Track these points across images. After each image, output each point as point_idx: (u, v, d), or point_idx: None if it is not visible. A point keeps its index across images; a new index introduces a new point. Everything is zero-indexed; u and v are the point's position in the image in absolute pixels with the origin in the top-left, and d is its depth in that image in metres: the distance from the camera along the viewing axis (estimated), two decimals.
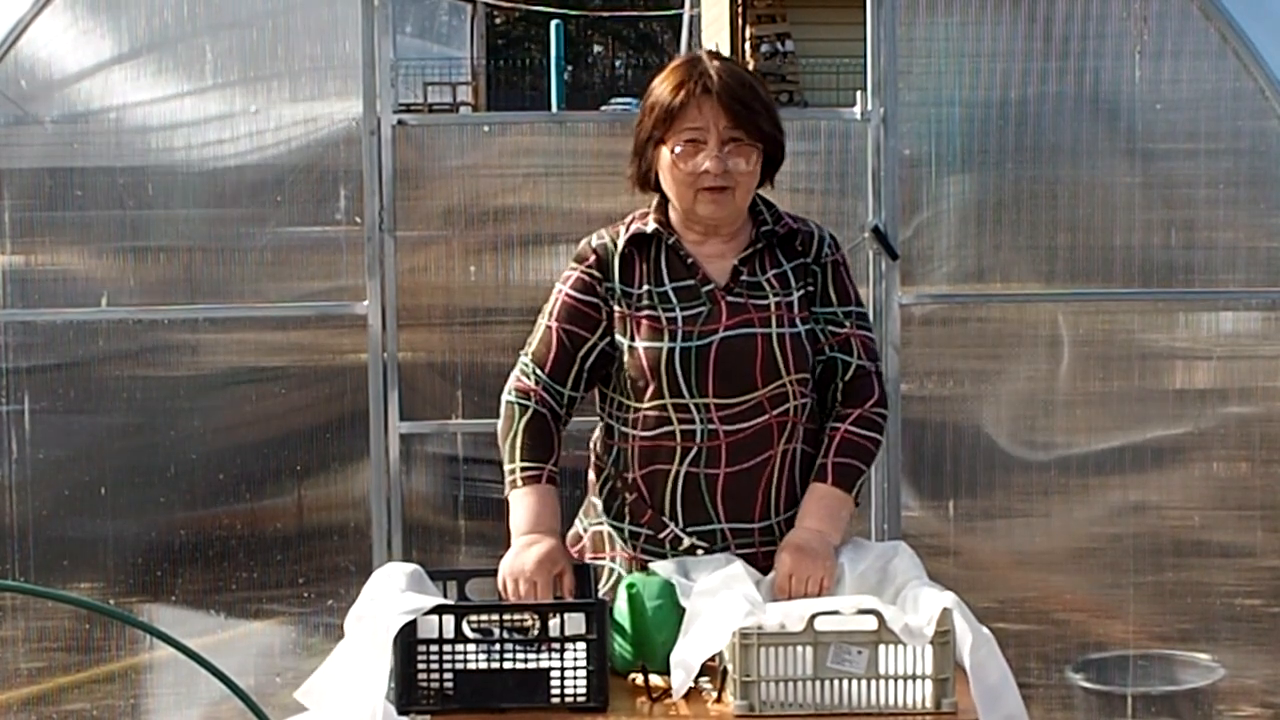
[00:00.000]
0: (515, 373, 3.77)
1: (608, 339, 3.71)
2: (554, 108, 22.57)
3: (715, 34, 24.72)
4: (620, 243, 3.73)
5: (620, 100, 27.04)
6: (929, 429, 5.02)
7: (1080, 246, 4.99)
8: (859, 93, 4.95)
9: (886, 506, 4.99)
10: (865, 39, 4.94)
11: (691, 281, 3.70)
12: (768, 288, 3.71)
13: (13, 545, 4.95)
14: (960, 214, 5.00)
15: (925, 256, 4.99)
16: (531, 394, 3.72)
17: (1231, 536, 5.07)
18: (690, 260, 3.71)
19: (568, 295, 3.74)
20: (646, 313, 3.68)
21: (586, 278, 3.73)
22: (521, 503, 3.68)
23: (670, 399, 3.65)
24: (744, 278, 3.71)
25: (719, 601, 3.35)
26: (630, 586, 3.49)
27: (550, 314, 3.76)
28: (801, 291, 3.73)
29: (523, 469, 3.68)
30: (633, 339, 3.67)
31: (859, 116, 4.96)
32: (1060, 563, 5.07)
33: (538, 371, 3.74)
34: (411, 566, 3.63)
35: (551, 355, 3.73)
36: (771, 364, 3.65)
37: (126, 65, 4.93)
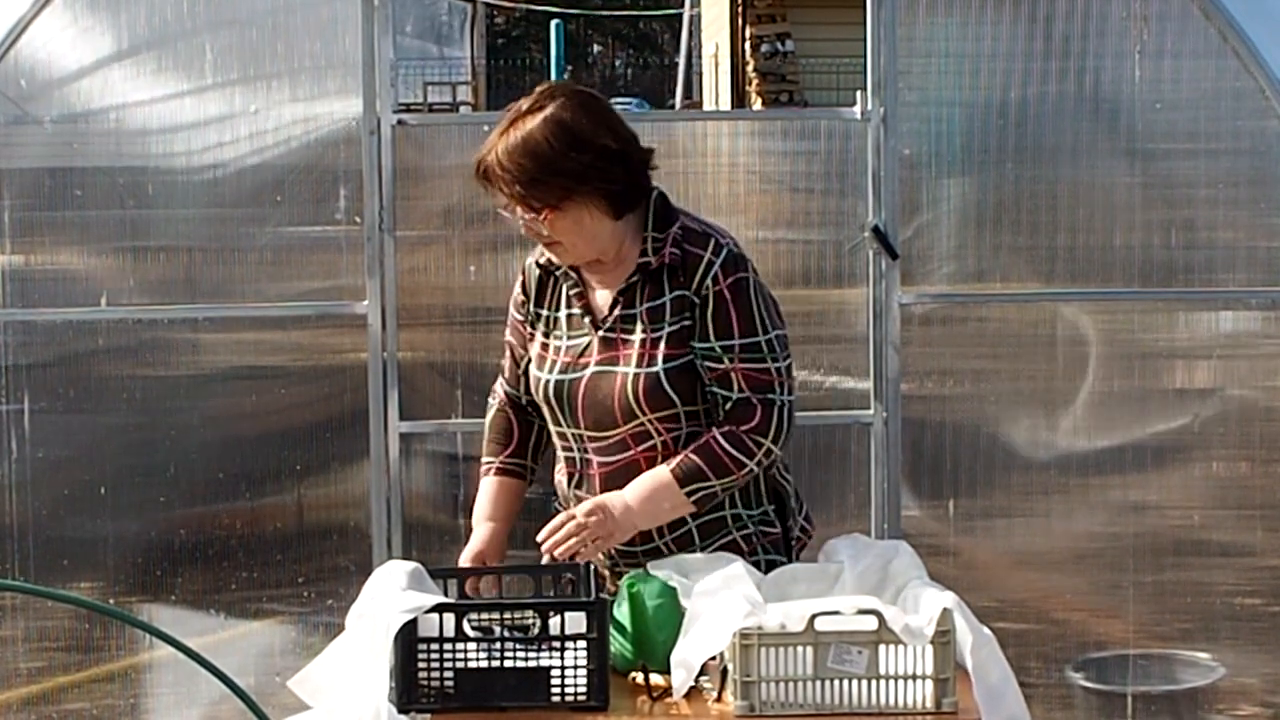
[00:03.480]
0: None
1: None
2: None
3: (715, 34, 24.73)
4: (538, 266, 3.84)
5: (620, 100, 27.03)
6: (929, 429, 5.02)
7: (1080, 246, 4.99)
8: (859, 93, 4.95)
9: (886, 506, 4.98)
10: (865, 39, 4.93)
11: (579, 310, 3.77)
12: (639, 323, 3.70)
13: (13, 545, 4.95)
14: (960, 214, 4.99)
15: (925, 256, 4.99)
16: (495, 395, 4.02)
17: (1231, 536, 5.07)
18: (578, 291, 3.76)
19: (511, 310, 3.93)
20: (540, 340, 3.82)
21: (520, 296, 3.90)
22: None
23: (553, 427, 3.83)
24: (619, 310, 3.72)
25: (719, 602, 3.35)
26: (630, 586, 3.49)
27: (506, 329, 3.97)
28: (676, 326, 3.68)
29: (482, 464, 3.97)
30: (531, 366, 3.85)
31: (859, 116, 4.95)
32: (1060, 563, 5.07)
33: (501, 379, 4.01)
34: (412, 565, 3.64)
35: (507, 366, 3.98)
36: (626, 405, 3.69)
37: (126, 64, 4.93)
